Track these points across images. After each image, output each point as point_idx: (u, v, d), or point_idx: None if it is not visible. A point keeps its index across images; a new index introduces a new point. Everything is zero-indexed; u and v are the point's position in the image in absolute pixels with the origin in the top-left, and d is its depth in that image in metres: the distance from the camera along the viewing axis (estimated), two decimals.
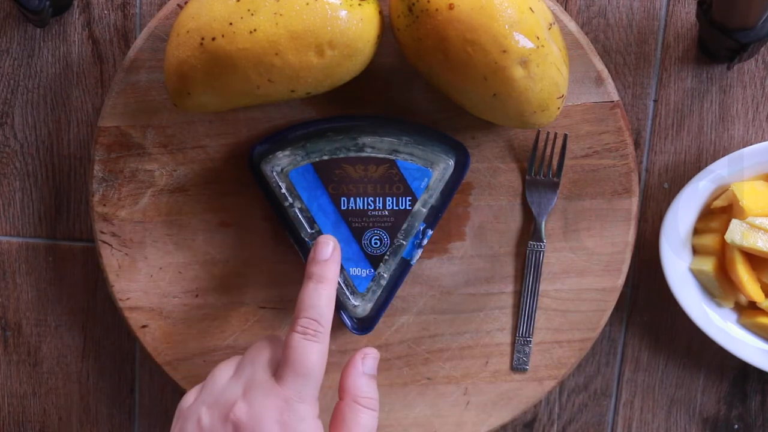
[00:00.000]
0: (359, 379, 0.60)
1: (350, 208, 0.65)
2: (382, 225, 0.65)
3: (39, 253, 0.74)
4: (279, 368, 0.57)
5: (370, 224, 0.65)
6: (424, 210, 0.66)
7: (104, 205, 0.68)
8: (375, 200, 0.65)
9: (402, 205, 0.65)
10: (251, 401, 0.56)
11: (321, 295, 0.59)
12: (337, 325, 0.67)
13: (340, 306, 0.67)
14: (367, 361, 0.60)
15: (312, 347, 0.57)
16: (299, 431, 0.56)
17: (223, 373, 0.59)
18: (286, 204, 0.65)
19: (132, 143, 0.67)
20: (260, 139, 0.67)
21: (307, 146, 0.65)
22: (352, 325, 0.67)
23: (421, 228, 0.66)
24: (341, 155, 0.65)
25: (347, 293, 0.66)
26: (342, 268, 0.66)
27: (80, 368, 0.75)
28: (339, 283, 0.66)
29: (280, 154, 0.65)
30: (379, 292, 0.67)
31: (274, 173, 0.65)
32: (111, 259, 0.69)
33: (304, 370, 0.57)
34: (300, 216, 0.65)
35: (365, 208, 0.65)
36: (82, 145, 0.72)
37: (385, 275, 0.66)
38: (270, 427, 0.56)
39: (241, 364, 0.59)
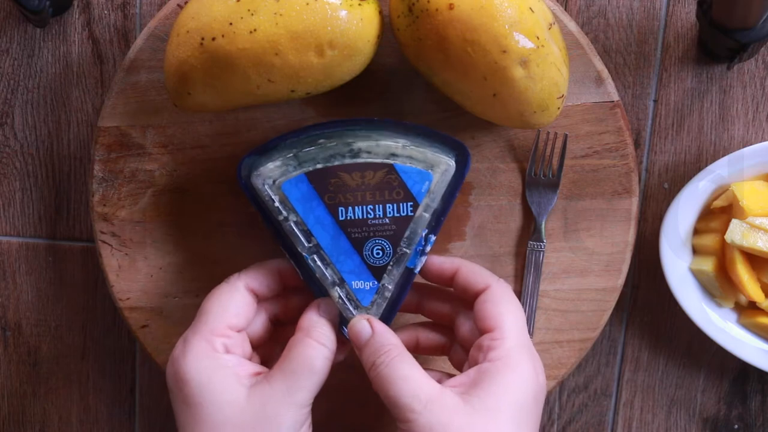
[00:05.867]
0: (314, 318, 0.61)
1: (349, 218, 0.62)
2: (384, 234, 0.62)
3: (39, 253, 0.74)
4: None
5: (371, 234, 0.62)
6: (427, 215, 0.62)
7: (104, 205, 0.68)
8: (374, 208, 0.62)
9: (403, 212, 0.62)
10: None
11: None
12: (343, 341, 0.65)
13: (344, 323, 0.63)
14: (323, 305, 0.62)
15: (216, 289, 0.62)
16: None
17: None
18: (281, 218, 0.62)
19: (132, 143, 0.67)
20: (245, 153, 0.64)
21: (299, 155, 0.61)
22: None
23: (424, 234, 0.62)
24: (336, 162, 0.61)
25: (350, 308, 0.63)
26: (343, 282, 0.63)
27: (80, 368, 0.75)
28: (341, 299, 0.63)
29: (270, 165, 0.61)
30: (384, 305, 0.63)
31: (266, 186, 0.61)
32: (111, 259, 0.69)
33: (201, 309, 0.62)
34: (296, 230, 0.62)
35: (365, 217, 0.62)
36: (82, 145, 0.72)
37: (390, 287, 0.63)
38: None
39: None
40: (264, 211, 0.63)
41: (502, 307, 0.60)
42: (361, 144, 0.61)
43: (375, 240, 0.62)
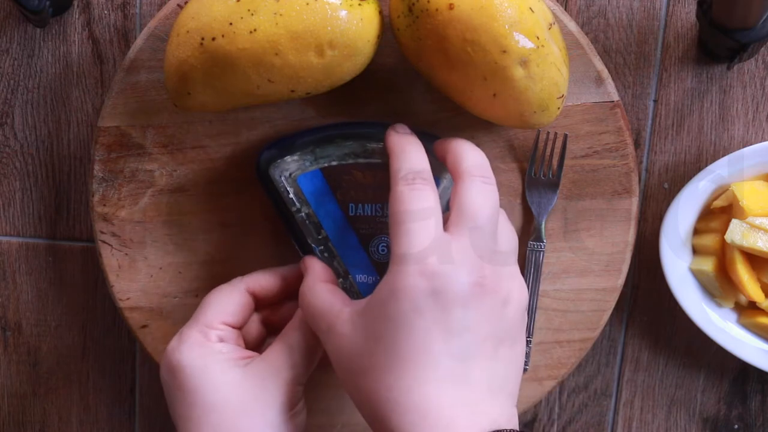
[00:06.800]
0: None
1: (358, 214, 0.64)
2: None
3: (39, 253, 0.74)
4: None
5: (378, 231, 0.64)
6: None
7: (104, 205, 0.68)
8: (383, 207, 0.64)
9: None
10: None
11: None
12: None
13: None
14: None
15: (217, 288, 0.63)
16: None
17: None
18: (293, 209, 0.64)
19: (132, 143, 0.67)
20: (267, 143, 0.66)
21: (316, 151, 0.64)
22: None
23: None
24: (350, 161, 0.64)
25: None
26: (348, 275, 0.65)
27: (80, 368, 0.75)
28: (345, 290, 0.64)
29: (288, 158, 0.64)
30: None
31: (282, 178, 0.64)
32: (111, 259, 0.69)
33: (199, 306, 0.63)
34: (307, 222, 0.64)
35: (374, 214, 0.64)
36: (82, 145, 0.72)
37: None
38: None
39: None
40: (277, 202, 0.64)
41: (399, 215, 0.56)
42: (375, 145, 0.63)
43: (381, 237, 0.64)
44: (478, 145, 0.68)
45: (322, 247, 0.64)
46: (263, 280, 0.64)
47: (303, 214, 0.64)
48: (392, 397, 0.53)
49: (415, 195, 0.56)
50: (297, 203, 0.64)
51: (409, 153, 0.59)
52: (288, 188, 0.64)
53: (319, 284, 0.60)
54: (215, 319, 0.61)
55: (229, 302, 0.62)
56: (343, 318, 0.56)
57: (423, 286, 0.53)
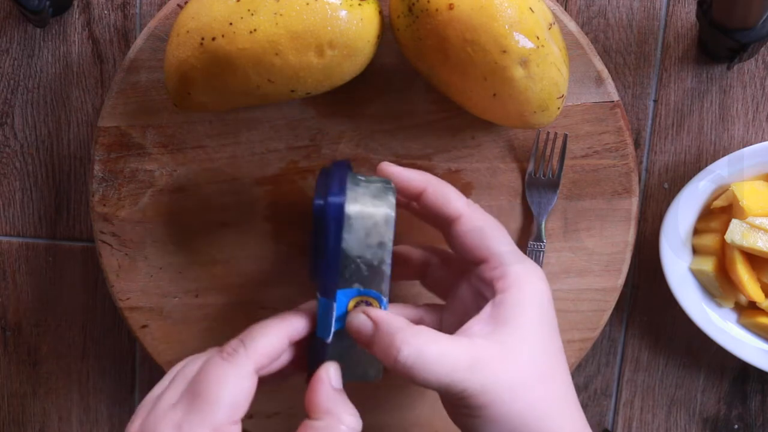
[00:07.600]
0: (330, 393, 0.55)
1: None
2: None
3: (39, 253, 0.74)
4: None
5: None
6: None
7: (104, 205, 0.68)
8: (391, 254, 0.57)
9: None
10: (145, 421, 0.55)
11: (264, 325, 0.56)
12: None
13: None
14: (333, 373, 0.56)
15: (221, 370, 0.53)
16: None
17: (157, 386, 0.58)
18: (388, 262, 0.55)
19: (132, 143, 0.67)
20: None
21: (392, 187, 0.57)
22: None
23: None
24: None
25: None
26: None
27: (80, 368, 0.75)
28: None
29: (392, 198, 0.56)
30: None
31: (386, 222, 0.55)
32: (111, 259, 0.69)
33: (202, 391, 0.53)
34: (388, 272, 0.56)
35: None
36: (82, 145, 0.72)
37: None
38: None
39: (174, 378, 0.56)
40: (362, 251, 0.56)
41: (486, 232, 0.59)
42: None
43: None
44: (478, 145, 0.68)
45: (386, 299, 0.56)
46: (271, 351, 0.55)
47: (387, 264, 0.56)
48: (562, 397, 0.57)
49: (481, 213, 0.60)
50: (386, 256, 0.56)
51: (442, 182, 0.60)
52: (390, 236, 0.55)
53: (423, 337, 0.54)
54: (225, 420, 0.52)
55: (238, 393, 0.53)
56: (480, 348, 0.54)
57: (546, 284, 0.59)
